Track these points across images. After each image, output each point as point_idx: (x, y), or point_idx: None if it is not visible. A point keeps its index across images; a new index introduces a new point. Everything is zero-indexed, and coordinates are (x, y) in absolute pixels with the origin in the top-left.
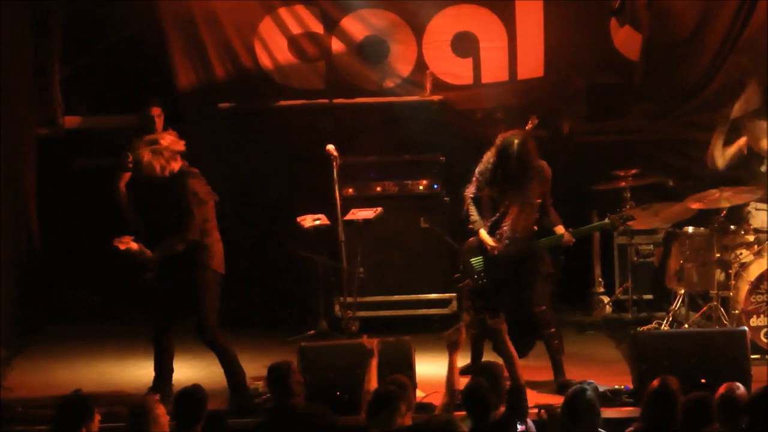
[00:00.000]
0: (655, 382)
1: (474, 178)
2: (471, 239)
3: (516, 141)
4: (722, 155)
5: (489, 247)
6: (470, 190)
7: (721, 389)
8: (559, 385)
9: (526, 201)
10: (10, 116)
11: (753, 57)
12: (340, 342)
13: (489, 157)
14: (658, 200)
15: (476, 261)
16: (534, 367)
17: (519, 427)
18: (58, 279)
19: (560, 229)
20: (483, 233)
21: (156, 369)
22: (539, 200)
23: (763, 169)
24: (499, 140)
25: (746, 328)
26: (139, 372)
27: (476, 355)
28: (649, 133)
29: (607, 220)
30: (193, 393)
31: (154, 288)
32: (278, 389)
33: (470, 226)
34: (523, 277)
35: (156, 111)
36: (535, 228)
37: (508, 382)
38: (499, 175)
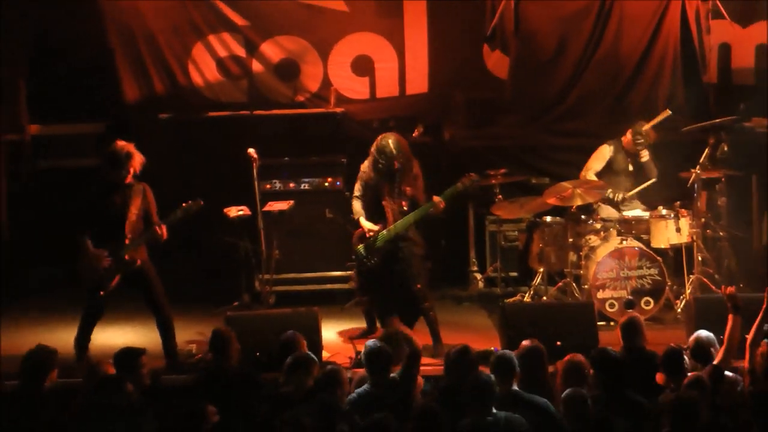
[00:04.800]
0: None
1: (357, 178)
2: (358, 230)
3: (391, 140)
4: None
5: (366, 232)
6: (356, 188)
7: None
8: (437, 350)
9: (402, 191)
10: None
11: (603, 74)
12: (260, 312)
13: (368, 160)
14: (523, 195)
15: (361, 248)
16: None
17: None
18: (23, 260)
19: (434, 198)
20: (362, 220)
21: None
22: (410, 188)
23: (631, 168)
24: (377, 141)
25: (594, 300)
26: (94, 336)
27: (370, 323)
28: (517, 139)
29: (459, 184)
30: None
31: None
32: (219, 351)
33: (353, 216)
34: (401, 260)
35: None
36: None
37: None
38: (379, 170)
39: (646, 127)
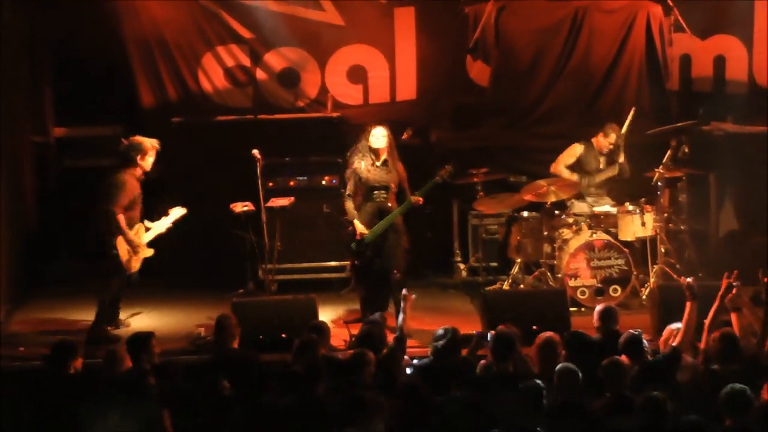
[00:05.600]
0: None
1: (348, 177)
2: (350, 228)
3: (379, 127)
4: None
5: (358, 234)
6: (348, 188)
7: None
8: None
9: (389, 186)
10: (10, 126)
11: (575, 83)
12: (263, 298)
13: (357, 156)
14: (502, 192)
15: (354, 245)
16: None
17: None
18: (50, 251)
19: (412, 197)
20: (356, 223)
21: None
22: (394, 185)
23: (602, 166)
24: (366, 130)
25: (567, 288)
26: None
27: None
28: (497, 141)
29: (437, 177)
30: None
31: None
32: (220, 335)
33: (345, 217)
34: (387, 251)
35: None
36: (390, 204)
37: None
38: (367, 160)
39: (622, 132)
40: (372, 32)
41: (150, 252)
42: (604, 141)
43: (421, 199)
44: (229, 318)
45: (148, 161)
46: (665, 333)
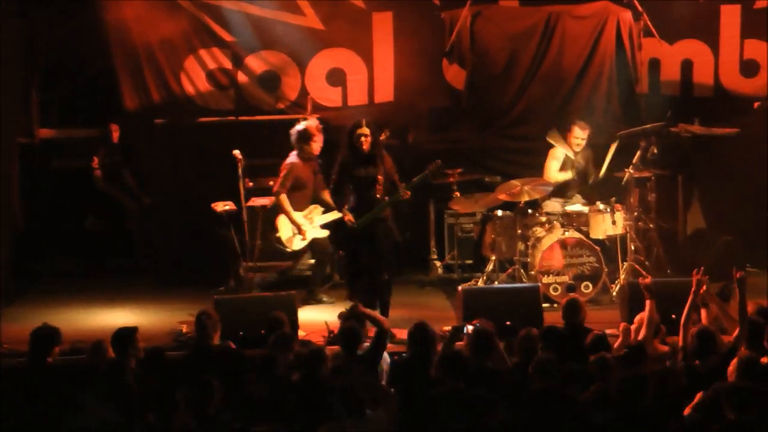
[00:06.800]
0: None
1: (336, 174)
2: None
3: (364, 122)
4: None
5: (348, 222)
6: (334, 181)
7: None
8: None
9: (377, 179)
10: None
11: (548, 86)
12: (244, 295)
13: (342, 153)
14: (477, 191)
15: (339, 236)
16: None
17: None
18: (38, 251)
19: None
20: (344, 210)
21: None
22: (382, 177)
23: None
24: (353, 125)
25: (539, 284)
26: (98, 318)
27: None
28: (473, 142)
29: (427, 171)
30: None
31: None
32: (201, 330)
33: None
34: (377, 247)
35: (114, 127)
36: (378, 196)
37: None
38: (355, 154)
39: (602, 170)
40: (351, 36)
41: (323, 233)
42: (574, 139)
43: (409, 192)
44: (209, 314)
45: (315, 145)
46: (636, 320)
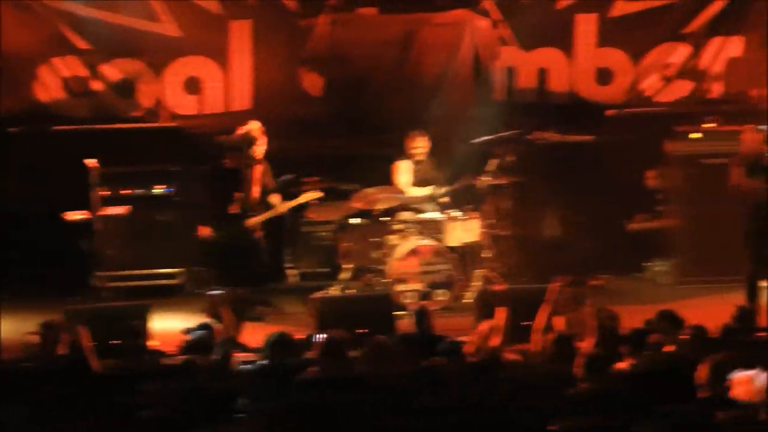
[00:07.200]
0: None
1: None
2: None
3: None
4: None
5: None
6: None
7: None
8: None
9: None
10: None
11: (407, 93)
12: (96, 305)
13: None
14: (334, 199)
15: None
16: None
17: None
18: None
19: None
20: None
21: None
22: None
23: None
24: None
25: (394, 292)
26: None
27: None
28: (331, 149)
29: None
30: None
31: None
32: (48, 343)
33: None
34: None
35: None
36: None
37: None
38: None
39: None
40: (208, 44)
41: None
42: (413, 150)
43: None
44: (54, 324)
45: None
46: (484, 327)
